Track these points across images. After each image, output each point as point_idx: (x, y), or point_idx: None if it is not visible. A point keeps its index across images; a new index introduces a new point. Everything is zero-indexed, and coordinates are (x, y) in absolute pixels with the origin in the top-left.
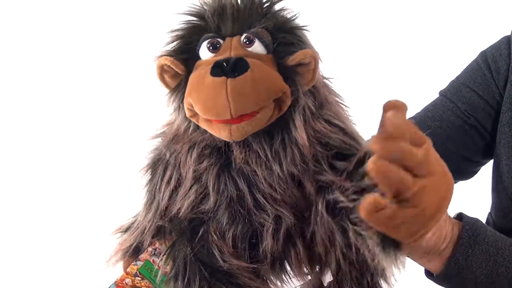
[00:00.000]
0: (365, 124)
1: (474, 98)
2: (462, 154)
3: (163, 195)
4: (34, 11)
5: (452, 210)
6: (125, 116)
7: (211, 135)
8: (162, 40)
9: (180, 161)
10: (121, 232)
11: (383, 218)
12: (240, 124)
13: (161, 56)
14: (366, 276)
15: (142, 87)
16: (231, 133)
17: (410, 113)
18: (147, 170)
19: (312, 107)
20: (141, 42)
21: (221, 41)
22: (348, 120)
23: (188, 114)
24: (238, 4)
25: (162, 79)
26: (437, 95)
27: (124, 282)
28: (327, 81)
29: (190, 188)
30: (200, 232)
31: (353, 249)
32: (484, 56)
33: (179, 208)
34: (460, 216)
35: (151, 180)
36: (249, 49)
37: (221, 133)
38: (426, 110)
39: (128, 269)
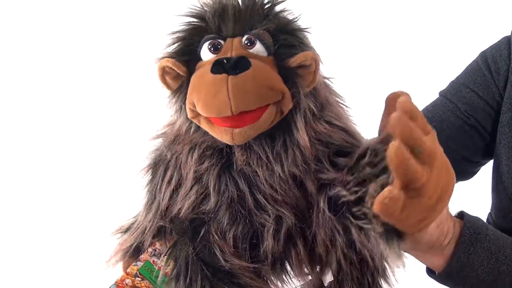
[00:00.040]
0: (365, 124)
1: (474, 99)
2: (462, 155)
3: (163, 195)
4: (35, 14)
5: (453, 210)
6: (126, 117)
7: (212, 136)
8: (163, 42)
9: (181, 162)
10: (121, 232)
11: (394, 207)
12: (242, 128)
13: (163, 58)
14: (367, 276)
15: (143, 88)
16: (233, 137)
17: None
18: (148, 171)
19: (313, 108)
20: (142, 44)
21: (222, 42)
22: (349, 120)
23: (190, 115)
24: (239, 5)
25: (164, 80)
26: (437, 96)
27: (124, 283)
28: (327, 81)
29: (191, 188)
30: (202, 232)
31: (354, 249)
32: (484, 56)
33: (179, 209)
34: (461, 215)
35: (151, 180)
36: (250, 50)
37: (223, 137)
38: (426, 110)
39: (128, 270)
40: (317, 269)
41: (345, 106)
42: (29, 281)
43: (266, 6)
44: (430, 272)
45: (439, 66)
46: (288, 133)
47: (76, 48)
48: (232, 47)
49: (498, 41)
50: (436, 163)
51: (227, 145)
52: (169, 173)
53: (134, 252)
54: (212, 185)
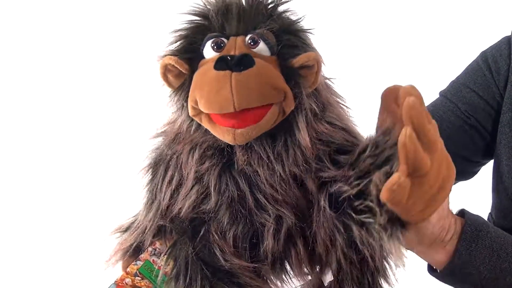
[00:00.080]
0: (366, 125)
1: (474, 99)
2: (462, 155)
3: (164, 195)
4: (39, 7)
5: (454, 209)
6: (126, 116)
7: (213, 135)
8: (166, 40)
9: (181, 162)
10: (121, 231)
11: (402, 194)
12: (244, 129)
13: (165, 55)
14: (367, 275)
15: (144, 86)
16: (235, 137)
17: None
18: (148, 170)
19: (315, 108)
20: (144, 43)
21: (225, 40)
22: (350, 121)
23: (191, 113)
24: (243, 4)
25: (166, 78)
26: (437, 96)
27: (124, 282)
28: (329, 82)
29: (191, 188)
30: (202, 232)
31: (354, 248)
32: (485, 56)
33: (180, 208)
34: (462, 213)
35: (152, 180)
36: (254, 50)
37: (225, 137)
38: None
39: (128, 269)
40: (317, 269)
41: (346, 107)
42: (29, 280)
43: (270, 6)
44: (432, 270)
45: (439, 66)
46: (289, 133)
47: (78, 46)
48: (236, 46)
49: (498, 41)
50: (437, 154)
51: (228, 145)
52: (169, 173)
53: (134, 252)
54: (212, 185)
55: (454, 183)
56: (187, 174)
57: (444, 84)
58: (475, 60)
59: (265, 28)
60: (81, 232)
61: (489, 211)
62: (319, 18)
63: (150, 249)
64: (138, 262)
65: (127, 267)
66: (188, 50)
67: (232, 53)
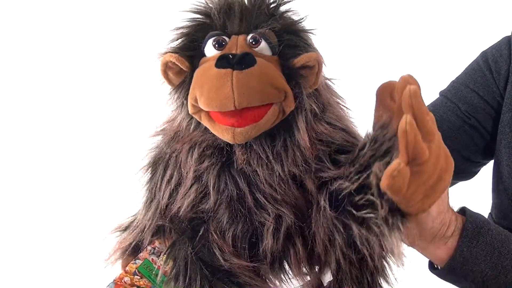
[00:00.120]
0: (366, 125)
1: (474, 99)
2: (463, 155)
3: (163, 194)
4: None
5: (454, 208)
6: (125, 114)
7: (212, 134)
8: (167, 38)
9: (180, 161)
10: (120, 230)
11: (402, 181)
12: (243, 128)
13: (166, 53)
14: (366, 275)
15: (143, 84)
16: (234, 136)
17: None
18: (147, 169)
19: (315, 108)
20: (145, 40)
21: (226, 39)
22: (350, 122)
23: (191, 110)
24: (245, 3)
25: (166, 76)
26: (438, 96)
27: (123, 281)
28: (329, 83)
29: (191, 187)
30: (201, 232)
31: (354, 248)
32: (485, 56)
33: (179, 207)
34: (463, 211)
35: (151, 178)
36: (255, 49)
37: (224, 135)
38: None
39: (127, 268)
40: (316, 269)
41: (346, 108)
42: (28, 280)
43: (272, 6)
44: (433, 268)
45: (439, 66)
46: (288, 133)
47: (78, 44)
48: (237, 45)
49: (498, 41)
50: (435, 144)
51: (227, 144)
52: (169, 172)
53: (133, 250)
54: (211, 184)
55: (455, 183)
56: (186, 173)
57: (444, 84)
58: (475, 60)
59: (267, 27)
60: (80, 231)
61: (489, 211)
62: (320, 19)
63: (149, 248)
64: (137, 261)
65: (126, 265)
66: (189, 48)
67: (233, 51)
